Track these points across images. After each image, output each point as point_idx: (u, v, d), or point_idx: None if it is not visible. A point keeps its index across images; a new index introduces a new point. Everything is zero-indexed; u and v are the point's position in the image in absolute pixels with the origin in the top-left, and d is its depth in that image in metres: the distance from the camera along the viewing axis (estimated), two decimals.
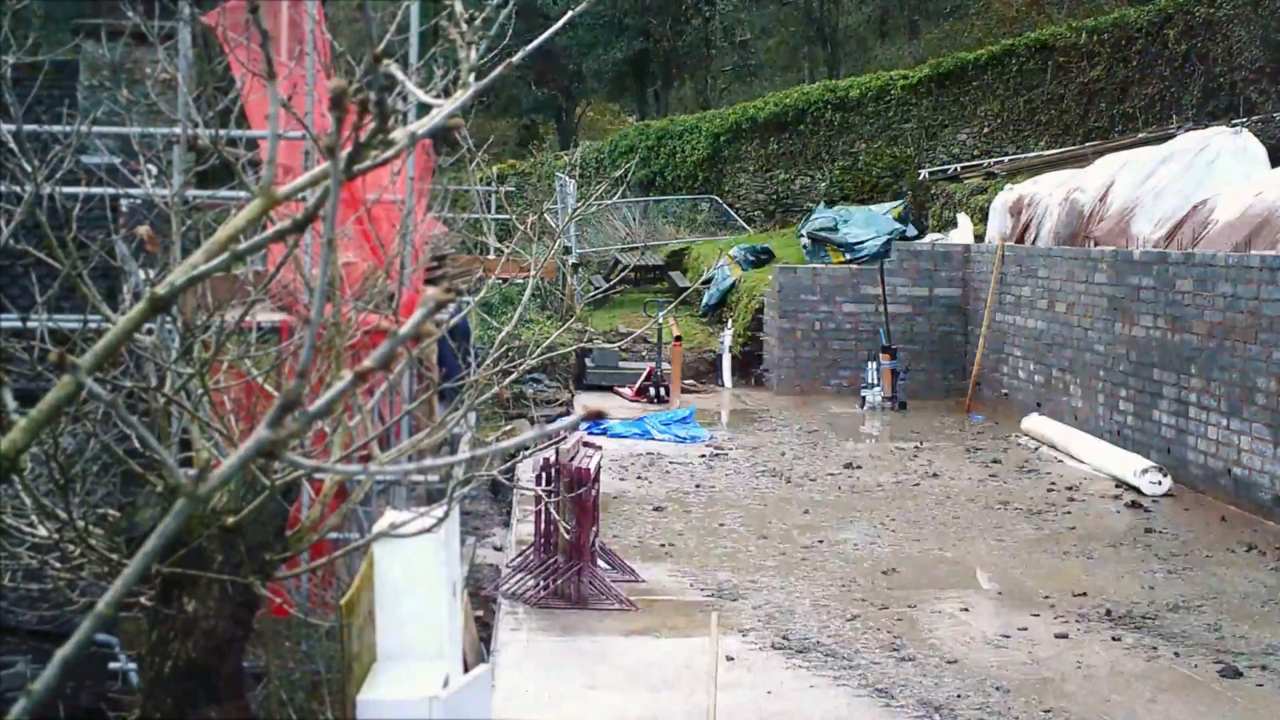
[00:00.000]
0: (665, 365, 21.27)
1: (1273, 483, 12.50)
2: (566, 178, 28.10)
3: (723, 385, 22.50)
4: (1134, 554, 11.48)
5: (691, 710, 7.67)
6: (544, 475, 9.81)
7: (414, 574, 6.18)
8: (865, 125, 30.93)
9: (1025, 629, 9.33)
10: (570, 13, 2.91)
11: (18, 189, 5.57)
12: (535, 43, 2.87)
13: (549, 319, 22.49)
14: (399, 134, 2.04)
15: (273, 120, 2.07)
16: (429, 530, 5.23)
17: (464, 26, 2.45)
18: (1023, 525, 12.56)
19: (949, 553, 11.52)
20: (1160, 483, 13.80)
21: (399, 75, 2.49)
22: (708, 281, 25.48)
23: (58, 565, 5.41)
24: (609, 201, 26.75)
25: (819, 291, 21.60)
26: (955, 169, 28.47)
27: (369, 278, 7.28)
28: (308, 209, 1.95)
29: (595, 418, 2.29)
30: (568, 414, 18.86)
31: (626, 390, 21.13)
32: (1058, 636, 9.17)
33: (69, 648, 2.00)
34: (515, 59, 2.63)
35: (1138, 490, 13.80)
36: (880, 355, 20.32)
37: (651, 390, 20.79)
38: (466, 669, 6.88)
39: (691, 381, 22.21)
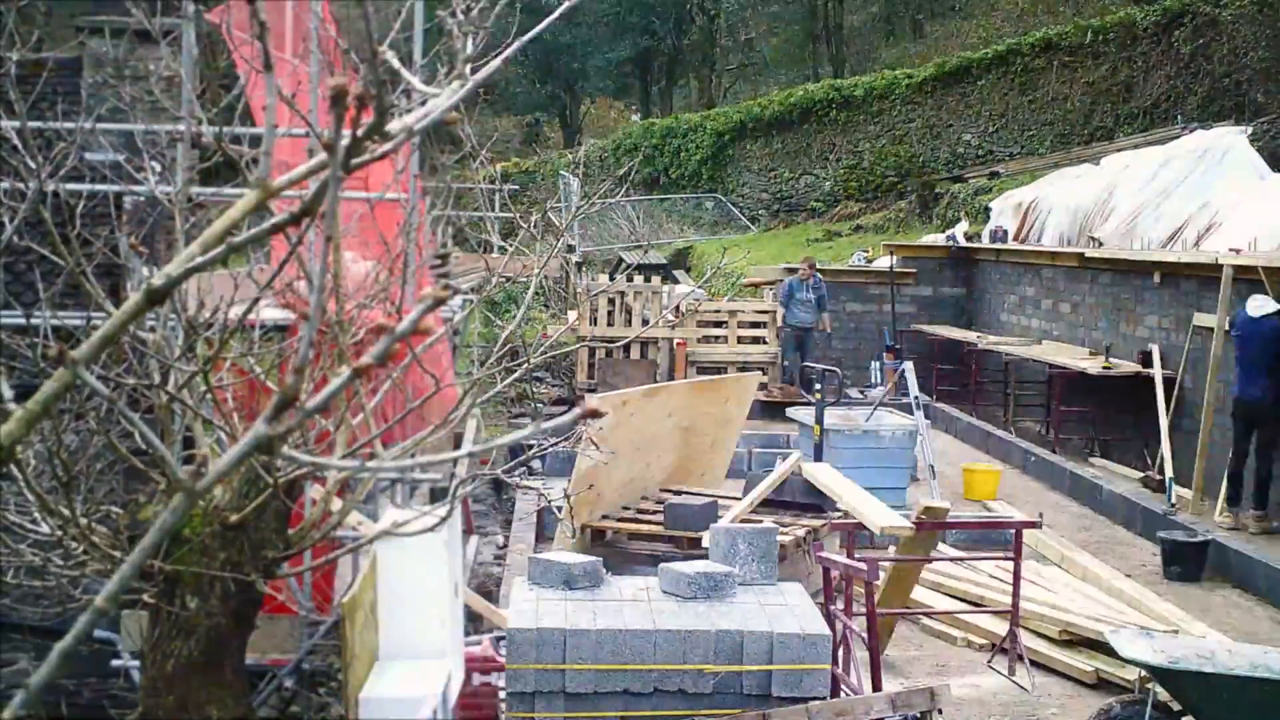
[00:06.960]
0: None
1: None
2: (570, 175, 28.12)
3: None
4: None
5: None
6: None
7: (416, 573, 6.17)
8: (870, 124, 30.91)
9: None
10: (566, 3, 2.90)
11: (22, 185, 5.57)
12: (531, 34, 2.87)
13: (553, 317, 22.51)
14: (394, 126, 2.04)
15: (269, 112, 2.07)
16: (431, 529, 5.22)
17: (460, 15, 2.45)
18: None
19: None
20: None
21: (400, 69, 2.49)
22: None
23: (60, 562, 5.41)
24: (613, 200, 26.74)
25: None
26: (960, 169, 28.45)
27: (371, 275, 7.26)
28: (304, 202, 1.94)
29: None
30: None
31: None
32: None
33: (67, 641, 2.00)
34: (509, 51, 2.63)
35: None
36: (884, 355, 20.22)
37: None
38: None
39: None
